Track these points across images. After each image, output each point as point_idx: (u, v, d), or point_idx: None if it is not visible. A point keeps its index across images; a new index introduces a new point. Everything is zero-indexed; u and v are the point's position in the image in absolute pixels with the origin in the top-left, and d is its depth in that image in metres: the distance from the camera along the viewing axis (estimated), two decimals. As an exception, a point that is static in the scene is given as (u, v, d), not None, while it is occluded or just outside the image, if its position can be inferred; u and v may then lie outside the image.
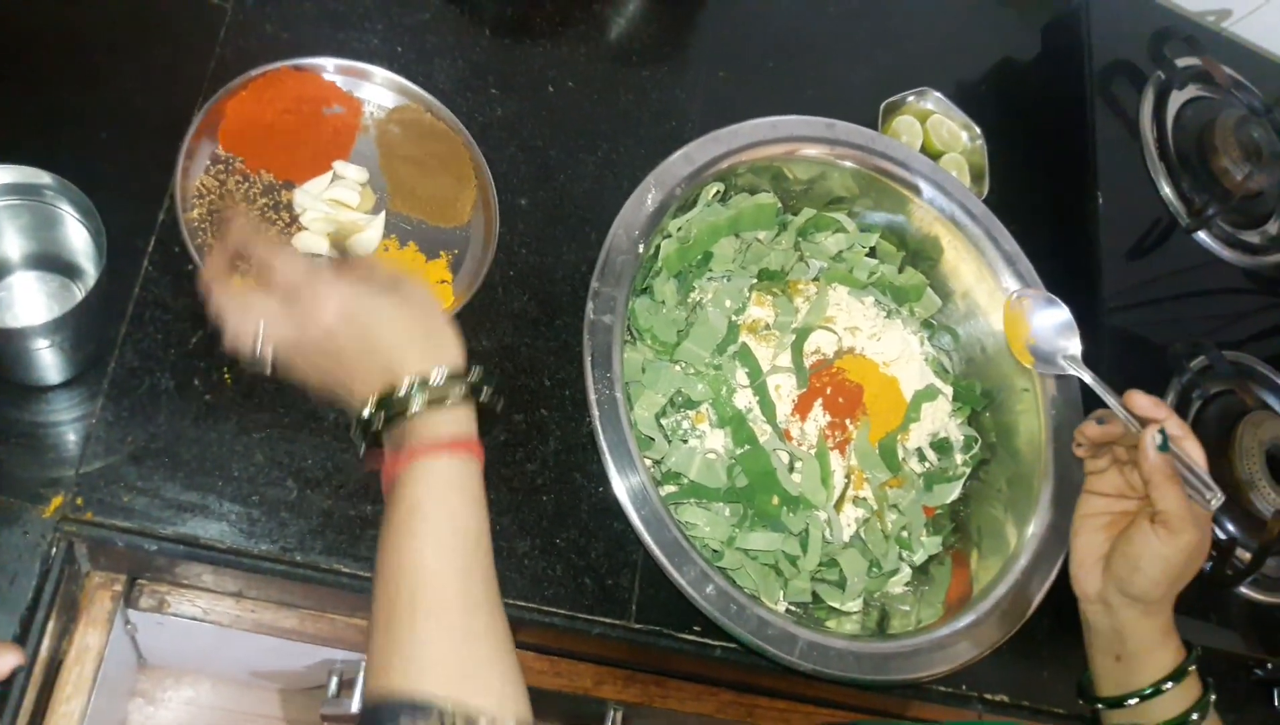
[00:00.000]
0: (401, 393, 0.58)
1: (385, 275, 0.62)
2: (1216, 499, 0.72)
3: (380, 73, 0.86)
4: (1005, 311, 0.90)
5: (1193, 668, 0.73)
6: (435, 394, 0.59)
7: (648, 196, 0.81)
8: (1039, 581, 0.85)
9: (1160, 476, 0.70)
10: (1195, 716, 0.72)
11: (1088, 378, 0.82)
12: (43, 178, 0.63)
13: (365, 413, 0.59)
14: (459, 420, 0.60)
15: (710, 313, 0.84)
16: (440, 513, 0.58)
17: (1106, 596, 0.74)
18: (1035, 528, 0.86)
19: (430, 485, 0.58)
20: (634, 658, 0.91)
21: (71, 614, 0.78)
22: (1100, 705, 0.76)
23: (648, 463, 0.81)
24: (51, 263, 0.71)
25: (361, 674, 0.99)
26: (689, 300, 0.87)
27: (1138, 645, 0.74)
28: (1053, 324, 0.88)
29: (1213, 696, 0.73)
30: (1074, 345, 0.86)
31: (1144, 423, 0.73)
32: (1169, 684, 0.73)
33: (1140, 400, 0.75)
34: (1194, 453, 0.74)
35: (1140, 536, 0.72)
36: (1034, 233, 0.98)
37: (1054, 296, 0.90)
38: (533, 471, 0.82)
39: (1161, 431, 0.72)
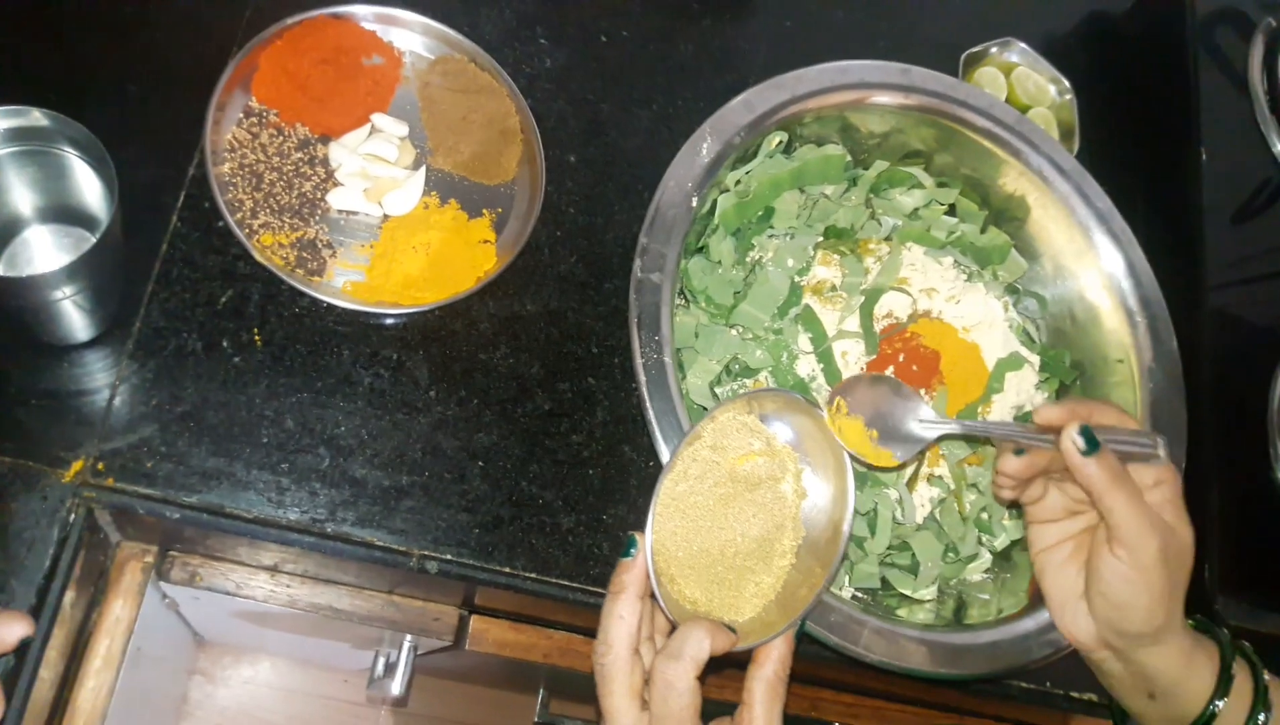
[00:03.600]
0: None
1: None
2: (1159, 447, 0.61)
3: (422, 21, 0.82)
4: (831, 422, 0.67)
5: (1235, 664, 0.64)
6: None
7: (703, 146, 0.75)
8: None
9: (1101, 483, 0.59)
10: (1262, 718, 0.62)
11: (955, 427, 0.67)
12: (39, 119, 0.59)
13: None
14: None
15: (770, 272, 0.77)
16: None
17: (1107, 640, 0.64)
18: (1130, 512, 0.78)
19: None
20: (688, 644, 0.85)
21: (100, 585, 0.75)
22: None
23: (702, 435, 0.76)
24: (68, 215, 0.68)
25: (405, 653, 0.95)
26: (747, 260, 0.81)
27: (1168, 680, 0.63)
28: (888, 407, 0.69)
29: (1267, 685, 0.63)
30: (922, 410, 0.68)
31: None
32: (1219, 701, 0.62)
33: (1050, 412, 0.62)
34: (1110, 418, 0.63)
35: (1106, 569, 0.61)
36: (1129, 195, 0.89)
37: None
38: (579, 443, 0.77)
39: (1083, 429, 0.59)
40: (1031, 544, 0.67)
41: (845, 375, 0.79)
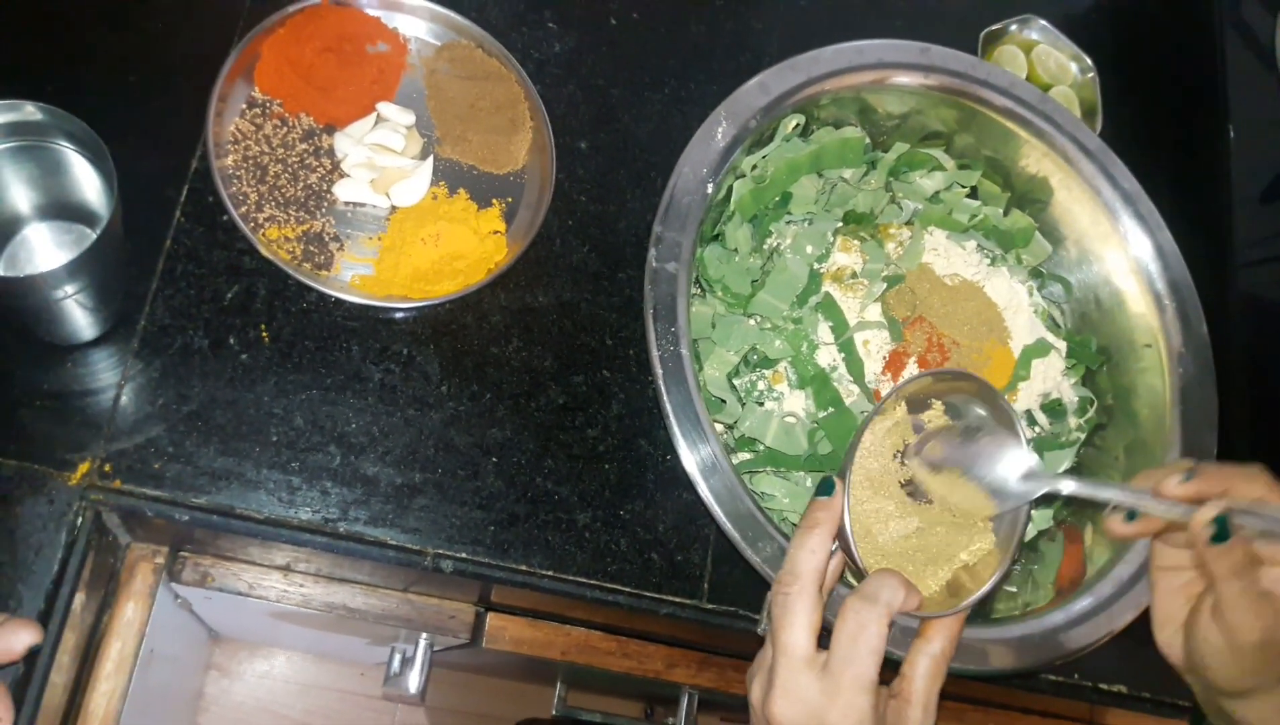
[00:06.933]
0: None
1: None
2: None
3: (428, 6, 0.80)
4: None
5: None
6: None
7: (718, 130, 0.73)
8: (1164, 561, 0.75)
9: (1220, 570, 0.54)
10: None
11: (1072, 486, 0.59)
12: (33, 113, 0.57)
13: None
14: None
15: (789, 260, 0.75)
16: None
17: (1196, 675, 0.60)
18: (1159, 501, 0.76)
19: None
20: (708, 640, 0.84)
21: (111, 588, 0.74)
22: None
23: (719, 428, 0.74)
24: (67, 212, 0.67)
25: (421, 650, 0.94)
26: (765, 247, 0.79)
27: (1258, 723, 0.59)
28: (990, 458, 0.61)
29: None
30: (1024, 461, 0.60)
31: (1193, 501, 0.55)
32: None
33: (1175, 489, 0.56)
34: (1257, 489, 0.56)
35: (1202, 631, 0.56)
36: (1154, 176, 0.87)
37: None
38: (594, 437, 0.75)
39: (1219, 519, 0.54)
40: (1152, 557, 0.63)
41: (867, 365, 0.77)
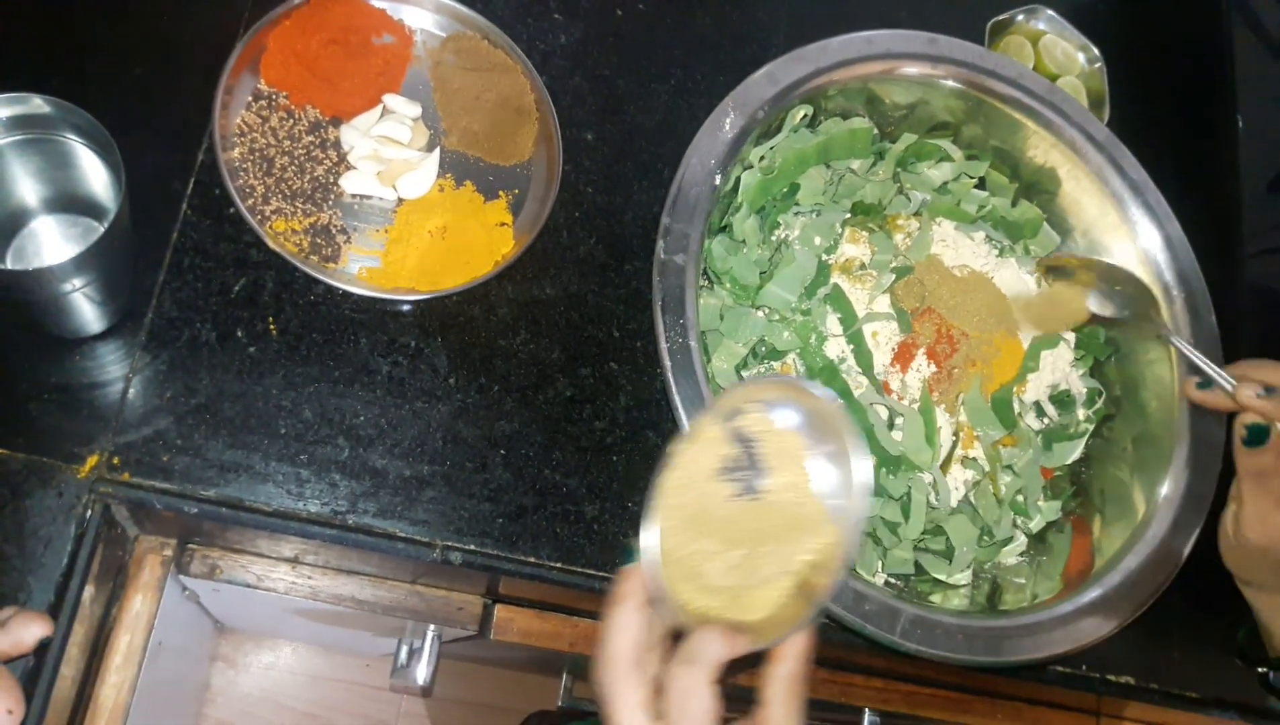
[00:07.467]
0: None
1: None
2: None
3: (433, -3, 0.80)
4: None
5: None
6: None
7: (725, 121, 0.73)
8: (1172, 553, 0.75)
9: (1242, 469, 0.64)
10: None
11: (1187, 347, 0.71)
12: (41, 106, 0.57)
13: None
14: None
15: (797, 251, 0.75)
16: None
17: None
18: (1167, 492, 0.76)
19: None
20: (715, 631, 0.84)
21: (119, 580, 0.74)
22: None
23: (728, 419, 0.74)
24: (75, 205, 0.66)
25: (429, 642, 0.94)
26: (773, 238, 0.78)
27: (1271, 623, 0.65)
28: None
29: None
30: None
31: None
32: None
33: (1248, 395, 0.65)
34: None
35: (1228, 516, 0.64)
36: (1162, 166, 0.87)
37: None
38: (602, 429, 0.75)
39: (1251, 427, 0.64)
40: None
41: (876, 357, 0.76)
